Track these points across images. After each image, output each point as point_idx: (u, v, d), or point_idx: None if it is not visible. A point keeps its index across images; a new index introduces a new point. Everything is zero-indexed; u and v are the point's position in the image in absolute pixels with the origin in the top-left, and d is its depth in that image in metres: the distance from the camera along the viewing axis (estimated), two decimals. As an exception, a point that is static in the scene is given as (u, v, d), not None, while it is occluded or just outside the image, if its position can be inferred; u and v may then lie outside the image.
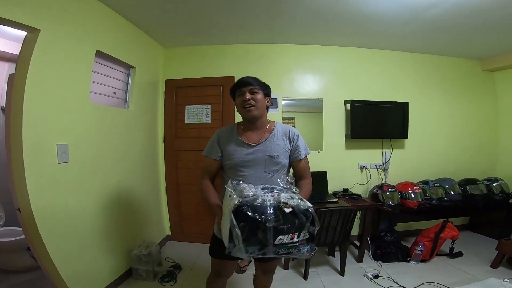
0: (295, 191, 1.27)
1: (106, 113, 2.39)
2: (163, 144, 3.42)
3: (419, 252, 2.83)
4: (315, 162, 3.31)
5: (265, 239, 1.08)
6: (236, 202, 1.12)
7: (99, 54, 2.27)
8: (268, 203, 1.11)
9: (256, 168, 1.49)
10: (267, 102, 1.58)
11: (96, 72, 2.28)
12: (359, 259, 2.93)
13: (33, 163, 1.65)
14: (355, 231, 3.07)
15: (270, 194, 1.18)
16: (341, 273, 2.68)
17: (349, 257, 2.92)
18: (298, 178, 1.61)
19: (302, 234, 1.13)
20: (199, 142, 3.21)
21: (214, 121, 3.32)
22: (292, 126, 3.37)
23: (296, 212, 1.11)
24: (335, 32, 3.01)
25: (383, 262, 2.89)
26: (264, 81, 1.59)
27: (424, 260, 2.88)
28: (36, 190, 1.67)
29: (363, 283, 2.55)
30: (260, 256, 1.13)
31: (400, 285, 2.46)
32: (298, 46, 3.39)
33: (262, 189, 1.23)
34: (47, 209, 1.75)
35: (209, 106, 3.35)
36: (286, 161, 1.55)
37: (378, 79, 3.51)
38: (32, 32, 1.69)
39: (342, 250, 2.69)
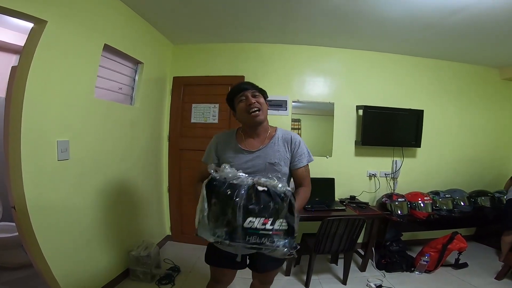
0: (284, 181, 1.23)
1: (111, 109, 2.32)
2: (167, 143, 3.36)
3: (424, 263, 2.77)
4: (323, 168, 3.25)
5: (234, 219, 1.01)
6: (212, 174, 1.09)
7: (107, 48, 2.20)
8: (245, 183, 1.07)
9: (256, 175, 1.40)
10: (267, 106, 1.52)
11: (103, 66, 2.22)
12: (362, 268, 2.86)
13: (31, 159, 1.59)
14: (359, 239, 2.99)
15: (250, 177, 1.13)
16: (344, 282, 2.62)
17: (352, 266, 2.83)
18: (296, 186, 1.53)
19: (277, 223, 1.04)
20: (205, 142, 3.06)
21: (221, 121, 3.25)
22: (298, 128, 3.31)
23: (271, 193, 1.04)
24: (350, 34, 2.92)
25: (386, 271, 2.83)
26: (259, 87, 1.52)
27: (428, 271, 2.82)
28: (32, 188, 1.60)
29: (365, 293, 2.49)
30: (227, 241, 1.05)
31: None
32: (310, 48, 3.31)
33: (245, 173, 1.17)
34: (43, 208, 1.69)
35: (217, 105, 3.28)
36: (286, 169, 1.47)
37: (392, 85, 3.41)
38: (39, 24, 1.63)
39: (346, 259, 2.61)
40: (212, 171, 1.14)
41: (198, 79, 3.31)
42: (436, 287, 2.57)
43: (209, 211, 1.05)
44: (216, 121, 3.26)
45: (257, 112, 1.41)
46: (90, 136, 2.07)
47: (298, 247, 1.11)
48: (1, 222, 2.73)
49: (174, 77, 3.33)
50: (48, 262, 1.72)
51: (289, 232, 1.06)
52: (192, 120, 3.30)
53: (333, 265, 2.98)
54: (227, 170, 1.11)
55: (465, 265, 2.92)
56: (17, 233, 2.37)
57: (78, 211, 1.98)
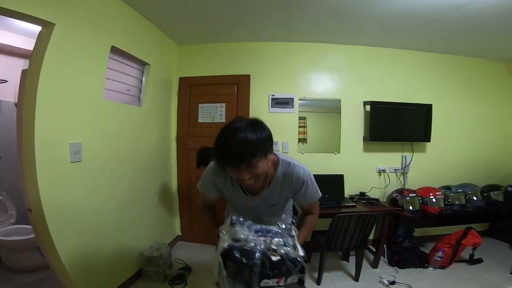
0: (293, 234, 1.21)
1: (120, 110, 2.34)
2: (175, 143, 3.37)
3: (438, 259, 2.74)
4: (332, 165, 3.24)
5: (250, 280, 1.07)
6: (225, 245, 1.11)
7: (114, 50, 2.21)
8: (258, 248, 1.09)
9: (259, 213, 1.39)
10: (270, 159, 1.22)
11: (111, 68, 2.23)
12: (374, 265, 2.84)
13: (45, 162, 1.60)
14: (370, 236, 2.97)
15: (262, 238, 1.14)
16: (356, 279, 2.61)
17: (363, 263, 2.80)
18: (303, 213, 1.46)
19: (290, 279, 1.11)
20: (213, 142, 3.13)
21: (228, 120, 3.23)
22: (304, 126, 3.29)
23: (284, 260, 1.08)
24: (355, 31, 2.90)
25: (399, 268, 2.80)
26: (260, 124, 1.11)
27: (442, 267, 2.78)
28: (47, 190, 1.61)
29: (378, 290, 2.47)
30: None
31: (416, 292, 2.38)
32: (316, 45, 3.29)
33: (256, 231, 1.17)
34: (59, 210, 1.70)
35: (223, 105, 3.28)
36: (288, 202, 1.45)
37: (399, 80, 3.38)
38: (47, 27, 1.64)
39: (358, 256, 2.59)
40: (224, 232, 1.15)
41: (204, 79, 3.31)
42: (451, 283, 2.53)
43: (227, 273, 1.09)
44: (223, 120, 3.27)
45: (251, 182, 1.16)
46: (101, 138, 2.08)
47: None
48: (15, 225, 2.78)
49: (180, 78, 3.33)
50: (65, 263, 1.74)
51: (299, 283, 1.13)
52: (200, 120, 3.31)
53: (344, 262, 2.97)
54: (239, 234, 1.15)
55: (479, 260, 2.88)
56: (32, 236, 2.43)
57: (92, 212, 2.00)
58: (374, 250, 2.89)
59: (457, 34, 2.84)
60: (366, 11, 2.41)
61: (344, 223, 2.36)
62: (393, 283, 2.51)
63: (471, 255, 2.88)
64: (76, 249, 1.84)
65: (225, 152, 1.07)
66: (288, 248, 1.11)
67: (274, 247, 1.10)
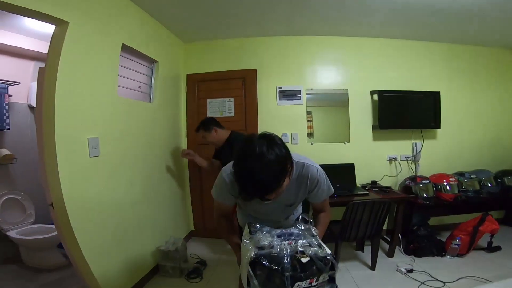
0: (314, 233, 1.21)
1: (133, 106, 2.37)
2: (186, 139, 3.40)
3: (456, 246, 2.70)
4: (341, 154, 3.26)
5: (282, 285, 1.06)
6: (252, 254, 1.10)
7: (124, 48, 2.23)
8: (285, 253, 1.09)
9: (275, 214, 1.43)
10: (291, 174, 1.21)
11: (122, 66, 2.26)
12: (390, 254, 2.83)
13: (65, 157, 1.62)
14: (384, 226, 2.94)
15: (287, 242, 1.15)
16: (372, 267, 2.60)
17: (379, 253, 2.80)
18: (316, 211, 1.49)
19: (321, 278, 1.11)
20: None
21: (237, 114, 3.28)
22: (310, 120, 3.31)
23: (314, 260, 1.09)
24: (359, 22, 2.92)
25: (416, 256, 2.77)
26: (278, 145, 1.06)
27: (460, 255, 2.74)
28: (69, 185, 1.64)
29: (396, 278, 2.45)
30: None
31: (437, 279, 2.35)
32: (320, 38, 3.31)
33: (278, 236, 1.19)
34: (80, 205, 1.73)
35: (232, 99, 3.31)
36: (301, 199, 1.42)
37: (405, 69, 3.38)
38: (61, 25, 1.66)
39: (373, 244, 2.58)
40: (247, 240, 1.17)
41: (211, 75, 3.34)
42: (471, 271, 2.46)
43: (258, 282, 1.08)
44: (232, 114, 3.30)
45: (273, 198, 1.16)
46: (116, 133, 2.11)
47: (337, 286, 1.16)
48: (34, 224, 2.82)
49: (187, 75, 3.37)
50: (87, 260, 1.76)
51: (331, 280, 1.14)
52: (209, 115, 3.31)
53: (359, 252, 2.96)
54: (262, 241, 1.15)
55: (498, 248, 2.83)
56: (51, 234, 2.48)
57: (111, 207, 2.03)
58: (389, 239, 2.88)
59: (461, 23, 2.84)
60: (369, 2, 2.42)
61: (359, 211, 2.35)
62: (411, 271, 2.49)
63: (489, 243, 2.82)
64: (97, 245, 1.87)
65: (248, 186, 1.05)
66: (315, 248, 1.12)
67: (301, 249, 1.11)
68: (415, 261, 2.70)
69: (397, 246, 2.89)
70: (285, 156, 1.08)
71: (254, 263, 1.09)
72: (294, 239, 1.16)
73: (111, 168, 2.04)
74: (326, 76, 3.35)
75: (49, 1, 1.54)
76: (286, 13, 2.68)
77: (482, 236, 2.77)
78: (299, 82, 3.30)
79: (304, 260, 1.08)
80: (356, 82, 3.33)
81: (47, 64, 1.63)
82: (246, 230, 1.27)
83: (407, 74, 3.37)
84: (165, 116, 2.95)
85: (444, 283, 2.30)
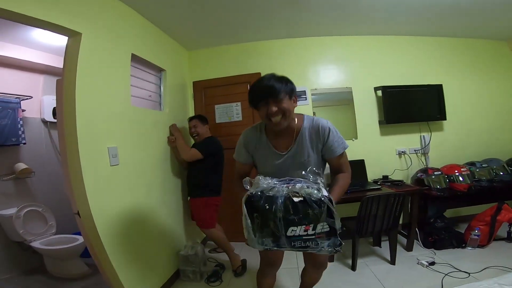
0: (319, 181, 1.17)
1: (146, 115, 2.42)
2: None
3: (476, 237, 2.67)
4: (351, 151, 3.16)
5: (276, 230, 1.05)
6: (248, 193, 1.11)
7: (133, 58, 2.29)
8: (280, 193, 1.08)
9: (289, 171, 1.37)
10: (294, 101, 1.36)
11: (132, 75, 2.30)
12: (409, 248, 2.81)
13: (89, 166, 1.67)
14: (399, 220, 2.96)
15: (285, 185, 1.13)
16: (392, 262, 2.58)
17: (397, 248, 2.80)
18: (335, 173, 1.47)
19: (318, 227, 1.05)
20: (232, 140, 3.14)
21: (245, 118, 3.32)
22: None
23: (307, 201, 1.05)
24: (358, 22, 2.99)
25: (435, 249, 2.75)
26: (285, 76, 1.35)
27: (481, 246, 2.71)
28: (94, 193, 1.68)
29: (418, 271, 2.43)
30: (275, 248, 1.11)
31: (461, 271, 2.33)
32: (320, 38, 3.37)
33: (279, 181, 1.18)
34: (104, 212, 1.76)
35: (239, 103, 3.36)
36: (318, 158, 1.42)
37: (406, 65, 3.44)
38: (74, 36, 1.71)
39: (391, 238, 2.57)
40: (248, 186, 1.18)
41: (217, 81, 3.39)
42: (495, 261, 2.40)
43: (253, 225, 1.08)
44: (240, 118, 3.35)
45: (279, 119, 1.30)
46: (132, 142, 2.15)
47: (343, 243, 1.12)
48: (56, 235, 2.88)
49: (193, 82, 3.43)
50: (115, 267, 1.79)
51: (331, 233, 1.07)
52: (217, 121, 3.39)
53: (377, 247, 2.96)
54: (262, 182, 1.15)
55: None
56: (74, 244, 2.54)
57: (132, 214, 2.06)
58: (406, 234, 2.87)
59: (456, 17, 2.92)
60: (368, 1, 2.47)
61: (374, 205, 2.36)
62: (432, 263, 2.47)
63: (509, 232, 2.78)
64: (122, 251, 1.90)
65: (256, 91, 1.32)
66: (311, 190, 1.07)
67: (296, 190, 1.08)
68: (435, 254, 2.68)
69: (415, 240, 2.87)
70: (288, 84, 1.32)
71: (250, 202, 1.09)
72: (293, 183, 1.13)
73: (130, 175, 2.08)
74: (329, 76, 3.40)
75: (63, 13, 1.59)
76: (287, 16, 2.74)
77: (501, 226, 2.73)
78: (304, 83, 3.34)
79: (296, 199, 1.05)
80: (359, 80, 3.38)
81: (64, 76, 1.67)
82: (254, 181, 1.23)
83: (408, 69, 3.42)
84: (176, 123, 2.97)
85: (469, 274, 2.27)
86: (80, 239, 2.58)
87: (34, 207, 2.84)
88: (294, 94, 1.35)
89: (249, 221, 1.08)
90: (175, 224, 2.75)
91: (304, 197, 1.05)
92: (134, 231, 2.07)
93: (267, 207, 1.05)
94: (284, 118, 1.30)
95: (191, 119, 2.82)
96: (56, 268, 2.69)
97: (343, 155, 1.43)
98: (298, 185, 1.10)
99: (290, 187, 1.10)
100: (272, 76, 1.31)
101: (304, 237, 1.06)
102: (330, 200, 1.07)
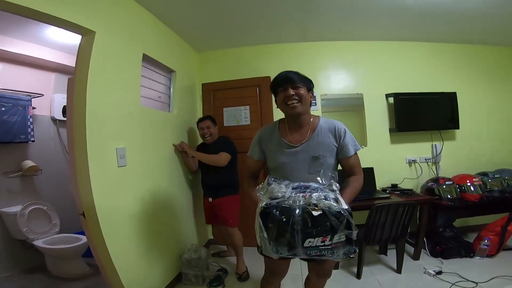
0: (334, 188, 1.17)
1: (155, 116, 2.41)
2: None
3: (485, 247, 2.64)
4: (360, 158, 3.18)
5: (293, 241, 1.03)
6: (263, 204, 1.09)
7: (144, 58, 2.29)
8: (297, 204, 1.05)
9: (300, 169, 1.40)
10: (310, 97, 1.46)
11: (142, 76, 2.30)
12: (416, 257, 2.77)
13: (96, 167, 1.65)
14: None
15: (301, 194, 1.10)
16: (398, 270, 2.54)
17: (404, 257, 2.75)
18: (347, 175, 1.49)
19: (336, 237, 1.04)
20: (240, 144, 3.10)
21: (254, 122, 3.29)
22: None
23: (326, 214, 1.02)
24: (370, 27, 2.96)
25: (443, 258, 2.71)
26: (305, 75, 1.48)
27: (490, 255, 2.68)
28: (100, 194, 1.66)
29: (425, 280, 2.39)
30: (290, 256, 1.10)
31: (468, 280, 2.28)
32: (332, 43, 3.34)
33: (294, 188, 1.16)
34: (110, 214, 1.75)
35: (247, 107, 3.33)
36: (332, 160, 1.43)
37: (418, 71, 3.39)
38: (88, 35, 1.72)
39: (398, 247, 2.53)
40: (261, 194, 1.17)
41: (226, 84, 3.37)
42: (504, 270, 2.39)
43: (268, 235, 1.06)
44: (249, 122, 3.32)
45: (295, 103, 1.39)
46: (140, 143, 2.14)
47: (357, 251, 1.12)
48: (60, 234, 2.87)
49: (202, 84, 3.42)
50: (117, 268, 1.77)
51: (348, 242, 1.06)
52: (225, 124, 3.37)
53: (383, 256, 2.91)
54: (276, 191, 1.13)
55: None
56: (76, 244, 2.53)
57: (137, 216, 2.04)
58: (413, 242, 2.82)
59: (473, 23, 2.84)
60: (380, 4, 2.44)
61: (383, 214, 2.32)
62: (439, 273, 2.43)
63: None
64: (125, 253, 1.88)
65: (279, 77, 1.45)
66: (330, 202, 1.06)
67: (315, 202, 1.05)
68: (442, 263, 2.63)
69: (422, 249, 2.83)
70: (307, 78, 1.47)
71: (265, 214, 1.06)
72: (309, 192, 1.11)
73: (137, 177, 2.07)
74: (340, 81, 3.36)
75: (77, 10, 1.59)
76: (298, 19, 2.73)
77: (511, 236, 2.70)
78: (314, 88, 3.30)
79: (315, 213, 1.02)
80: (370, 86, 3.33)
81: (76, 75, 1.67)
82: (264, 183, 1.24)
83: (421, 76, 3.37)
84: (184, 125, 2.99)
85: (476, 283, 2.24)
86: (83, 239, 2.57)
87: (39, 205, 2.84)
88: (311, 90, 1.47)
89: (265, 233, 1.06)
90: (180, 227, 2.73)
91: (323, 210, 1.03)
92: (138, 232, 2.05)
93: (284, 219, 1.03)
94: (300, 103, 1.39)
95: (202, 119, 2.80)
96: (57, 267, 2.68)
97: (356, 156, 1.47)
98: (315, 195, 1.08)
99: (306, 197, 1.08)
100: (293, 71, 1.45)
101: (320, 247, 1.05)
102: (350, 213, 1.06)
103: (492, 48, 3.50)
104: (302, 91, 1.40)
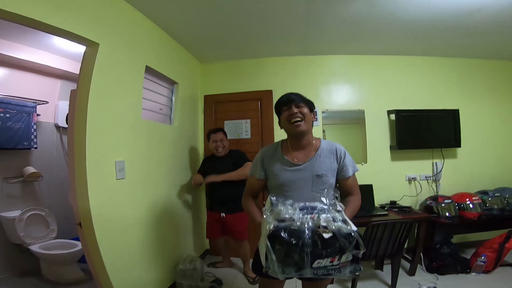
0: (339, 208, 1.18)
1: (155, 129, 2.44)
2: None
3: (481, 263, 2.65)
4: (359, 175, 3.08)
5: (301, 262, 1.03)
6: (271, 227, 1.08)
7: (147, 70, 2.31)
8: (306, 226, 1.05)
9: (303, 188, 1.43)
10: (313, 117, 1.52)
11: (145, 88, 2.34)
12: (411, 272, 2.75)
13: (95, 179, 1.67)
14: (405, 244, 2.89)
15: (309, 216, 1.10)
16: (392, 286, 2.52)
17: (400, 272, 2.70)
18: (345, 195, 1.52)
19: (344, 257, 1.05)
20: None
21: (254, 136, 3.29)
22: (324, 138, 3.28)
23: (337, 236, 1.04)
24: (373, 41, 2.96)
25: (439, 274, 2.71)
26: (306, 98, 1.54)
27: (486, 271, 2.68)
28: (97, 206, 1.68)
29: (418, 296, 2.39)
30: (297, 277, 1.11)
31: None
32: (334, 57, 3.35)
33: (301, 209, 1.15)
34: (106, 225, 1.76)
35: (248, 121, 3.34)
36: (333, 180, 1.48)
37: (422, 87, 3.37)
38: (92, 46, 1.75)
39: (394, 263, 2.53)
40: (267, 213, 1.18)
41: (228, 96, 3.39)
42: (500, 286, 2.44)
43: (275, 257, 1.06)
44: (249, 136, 3.32)
45: (299, 122, 1.43)
46: (140, 156, 2.17)
47: (362, 268, 1.12)
48: (56, 239, 2.89)
49: (205, 96, 3.43)
50: (110, 277, 1.77)
51: (354, 260, 1.08)
52: (227, 137, 3.38)
53: (378, 271, 2.88)
54: (283, 212, 1.13)
55: None
56: (72, 250, 2.56)
57: (133, 227, 2.06)
58: (410, 258, 2.81)
59: (474, 38, 2.85)
60: (382, 20, 2.46)
61: (379, 231, 2.31)
62: (434, 288, 2.42)
63: None
64: (119, 262, 1.89)
65: (283, 97, 1.51)
66: (340, 224, 1.07)
67: (324, 224, 1.06)
68: (438, 279, 2.63)
69: (419, 265, 2.81)
70: (309, 100, 1.53)
71: (273, 236, 1.06)
72: (317, 213, 1.12)
73: (136, 189, 2.09)
74: (341, 96, 3.35)
75: (82, 23, 1.63)
76: (301, 33, 2.74)
77: (509, 253, 2.70)
78: (314, 102, 3.29)
79: (326, 235, 1.03)
80: (372, 102, 3.33)
81: (79, 86, 1.70)
82: (268, 203, 1.24)
83: (424, 92, 3.36)
84: (185, 138, 3.01)
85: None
86: (79, 245, 2.56)
87: (37, 211, 2.86)
88: (313, 111, 1.53)
89: (274, 256, 1.05)
90: (177, 237, 2.74)
91: (333, 232, 1.05)
92: (134, 242, 2.06)
93: (294, 241, 1.03)
94: (303, 122, 1.44)
95: (215, 131, 2.77)
96: (51, 272, 2.68)
97: (354, 177, 1.52)
98: (323, 216, 1.09)
99: (315, 219, 1.09)
100: (295, 92, 1.52)
101: (328, 267, 1.06)
102: (359, 234, 1.08)
103: (496, 62, 3.48)
104: (305, 110, 1.46)
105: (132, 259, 2.04)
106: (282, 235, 1.04)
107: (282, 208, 1.15)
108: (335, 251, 1.04)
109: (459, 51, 3.24)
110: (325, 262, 1.04)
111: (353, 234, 1.04)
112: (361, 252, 1.07)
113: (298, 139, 1.49)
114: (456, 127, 3.22)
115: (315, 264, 1.03)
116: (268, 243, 1.06)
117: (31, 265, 2.83)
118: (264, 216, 1.18)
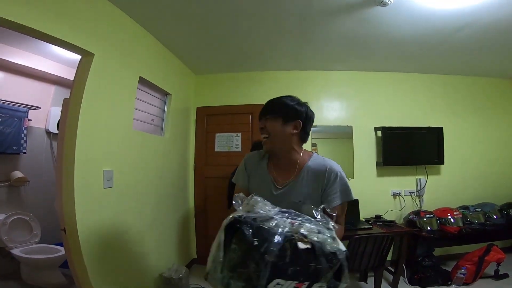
0: (331, 227, 0.89)
1: (146, 140, 2.46)
2: (193, 171, 3.46)
3: (462, 276, 2.71)
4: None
5: (255, 276, 0.74)
6: (234, 215, 0.86)
7: (141, 80, 2.35)
8: (280, 230, 0.79)
9: (297, 218, 1.09)
10: (293, 129, 1.19)
11: (138, 99, 2.36)
12: (394, 285, 2.79)
13: (82, 187, 1.69)
14: (388, 257, 2.89)
15: (289, 220, 0.85)
16: (376, 299, 2.55)
17: (382, 283, 2.75)
18: None
19: (316, 286, 0.77)
20: (229, 170, 3.04)
21: (244, 150, 3.32)
22: (316, 152, 3.34)
23: (316, 251, 0.77)
24: (363, 57, 3.05)
25: (420, 286, 2.78)
26: (295, 100, 1.25)
27: (466, 284, 2.75)
28: (82, 213, 1.70)
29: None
30: None
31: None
32: (325, 72, 3.45)
33: (283, 212, 0.91)
34: (91, 232, 1.78)
35: (239, 134, 3.39)
36: (313, 201, 1.19)
37: (409, 104, 3.50)
38: (87, 56, 1.78)
39: (376, 275, 2.59)
40: (239, 203, 0.94)
41: (220, 109, 3.43)
42: None
43: (224, 257, 0.81)
44: (239, 149, 3.36)
45: (264, 139, 1.22)
46: (129, 166, 2.19)
47: None
48: (39, 244, 2.85)
49: (197, 108, 3.47)
50: (92, 283, 1.76)
51: None
52: (216, 149, 3.41)
53: (363, 283, 2.92)
54: (259, 206, 0.89)
55: (505, 275, 2.84)
56: (54, 255, 2.55)
57: (119, 235, 2.07)
58: (393, 270, 2.85)
59: (461, 55, 2.95)
60: (373, 38, 2.55)
61: (361, 245, 2.37)
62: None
63: (496, 271, 2.84)
64: (103, 269, 1.89)
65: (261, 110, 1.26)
66: (325, 237, 0.81)
67: (304, 232, 0.80)
68: (419, 291, 2.66)
69: (401, 277, 2.87)
70: (293, 108, 1.21)
71: (233, 228, 0.81)
72: (300, 221, 0.85)
73: (123, 199, 2.10)
74: (331, 112, 3.45)
75: (78, 33, 1.67)
76: (293, 48, 2.82)
77: (489, 265, 2.78)
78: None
79: (301, 245, 0.77)
80: (360, 118, 3.42)
81: (72, 95, 1.73)
82: (249, 198, 0.97)
83: (410, 109, 3.48)
84: (175, 149, 3.03)
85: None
86: (62, 250, 2.52)
87: (22, 215, 2.82)
88: (293, 120, 1.19)
89: (221, 252, 0.81)
90: (163, 246, 2.74)
91: (313, 245, 0.78)
92: (119, 249, 2.07)
93: (256, 243, 0.76)
94: (268, 140, 1.21)
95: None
96: (31, 276, 2.63)
97: (342, 207, 1.20)
98: (307, 225, 0.83)
99: (295, 225, 0.83)
100: (282, 96, 1.25)
101: None
102: (347, 257, 0.83)
103: (481, 79, 3.61)
104: (270, 124, 1.19)
105: (116, 266, 2.05)
106: (245, 231, 0.79)
107: (260, 201, 0.90)
108: (305, 273, 0.76)
109: (444, 68, 3.38)
110: (287, 285, 0.76)
111: (338, 253, 0.80)
112: (342, 285, 0.82)
113: (276, 157, 1.26)
114: (440, 145, 3.34)
115: (271, 285, 0.75)
116: (223, 236, 0.83)
117: (11, 269, 2.78)
118: (234, 202, 0.94)
